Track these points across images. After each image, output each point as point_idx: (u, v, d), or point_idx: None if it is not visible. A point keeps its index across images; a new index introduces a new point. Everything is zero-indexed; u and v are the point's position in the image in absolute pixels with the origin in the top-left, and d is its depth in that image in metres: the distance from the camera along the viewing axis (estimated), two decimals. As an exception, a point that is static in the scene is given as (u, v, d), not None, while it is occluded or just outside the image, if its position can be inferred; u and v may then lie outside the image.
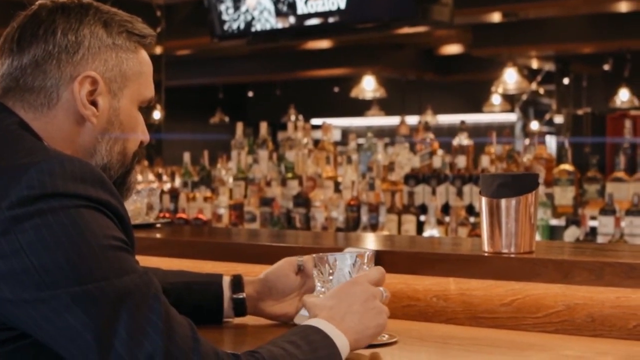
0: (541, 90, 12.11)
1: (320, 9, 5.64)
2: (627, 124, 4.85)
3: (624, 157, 4.48)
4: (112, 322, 1.17)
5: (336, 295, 1.48)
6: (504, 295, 1.77)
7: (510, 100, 11.76)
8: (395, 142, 5.24)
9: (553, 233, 4.31)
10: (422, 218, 4.43)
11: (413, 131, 6.36)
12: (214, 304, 1.81)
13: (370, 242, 2.30)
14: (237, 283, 1.82)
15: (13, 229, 1.19)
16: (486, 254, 1.80)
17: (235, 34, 6.18)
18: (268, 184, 4.90)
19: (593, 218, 4.13)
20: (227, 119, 12.86)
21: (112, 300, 1.18)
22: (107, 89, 1.42)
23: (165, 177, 6.16)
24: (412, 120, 11.56)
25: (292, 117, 10.90)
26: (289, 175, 4.84)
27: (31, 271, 1.18)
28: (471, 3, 7.16)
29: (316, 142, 5.17)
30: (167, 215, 4.62)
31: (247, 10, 6.02)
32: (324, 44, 9.97)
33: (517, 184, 1.79)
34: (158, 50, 8.55)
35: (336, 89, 13.39)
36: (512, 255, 1.76)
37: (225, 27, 6.17)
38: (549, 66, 11.40)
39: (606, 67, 10.16)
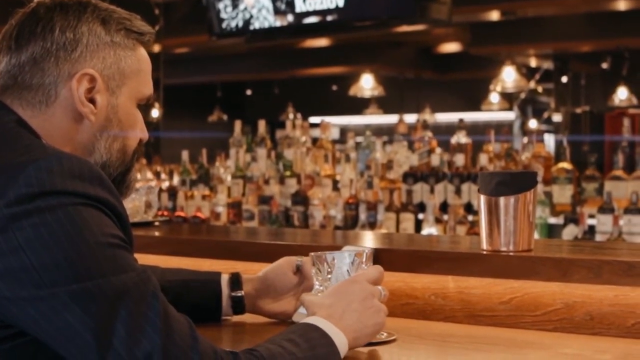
0: (539, 89, 12.10)
1: (319, 7, 5.64)
2: (626, 122, 4.86)
3: (623, 156, 4.48)
4: (110, 320, 1.17)
5: (334, 293, 1.48)
6: (502, 293, 1.77)
7: (508, 98, 11.75)
8: (394, 140, 5.24)
9: (551, 231, 4.31)
10: (421, 216, 4.43)
11: (411, 129, 6.36)
12: (212, 302, 1.81)
13: (369, 240, 2.30)
14: (236, 281, 1.82)
15: (11, 227, 1.19)
16: (485, 252, 1.80)
17: (233, 32, 6.18)
18: (266, 182, 4.90)
19: (591, 216, 4.13)
20: (225, 117, 12.84)
21: (110, 298, 1.18)
22: (106, 86, 1.41)
23: (163, 175, 6.16)
24: (411, 118, 11.55)
25: (291, 116, 10.91)
26: (287, 173, 4.84)
27: (29, 269, 1.18)
28: (469, 1, 7.16)
29: (314, 141, 5.17)
30: (165, 213, 4.62)
31: (245, 9, 6.02)
32: (322, 42, 9.96)
33: (516, 182, 1.79)
34: (156, 48, 8.54)
35: (334, 87, 13.38)
36: (511, 254, 1.76)
37: (224, 25, 6.17)
38: (548, 64, 11.39)
39: (604, 65, 10.16)
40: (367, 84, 10.60)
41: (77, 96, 1.39)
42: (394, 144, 5.10)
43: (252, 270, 1.90)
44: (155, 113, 8.58)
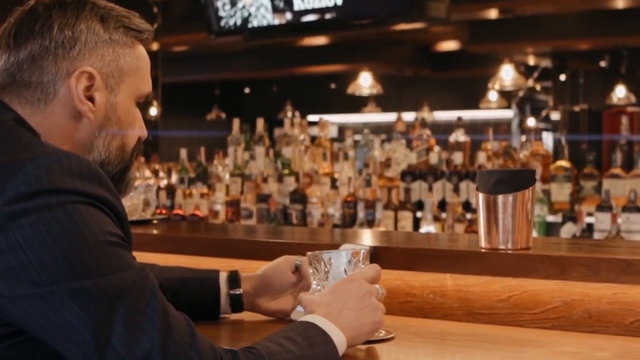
0: (538, 87, 12.12)
1: (317, 5, 5.64)
2: (624, 120, 4.86)
3: (621, 154, 4.48)
4: (109, 318, 1.17)
5: (332, 292, 1.48)
6: (500, 291, 1.77)
7: (506, 96, 11.75)
8: (392, 138, 5.24)
9: (550, 229, 4.31)
10: (419, 214, 4.43)
11: (410, 127, 6.35)
12: (211, 300, 1.81)
13: (367, 238, 2.30)
14: (234, 279, 1.82)
15: (10, 225, 1.19)
16: (483, 250, 1.80)
17: (232, 30, 6.17)
18: (264, 180, 4.90)
19: (590, 214, 4.13)
20: (223, 115, 12.84)
21: (109, 296, 1.18)
22: (104, 84, 1.41)
23: (161, 174, 6.16)
24: (409, 116, 11.54)
25: (289, 114, 10.92)
26: (286, 171, 4.84)
27: (28, 267, 1.18)
28: (468, -1, 7.16)
29: (313, 139, 5.17)
30: (163, 211, 4.62)
31: (243, 7, 6.01)
32: (320, 40, 9.96)
33: (514, 180, 1.79)
34: (154, 46, 8.53)
35: (333, 86, 13.38)
36: (509, 252, 1.76)
37: (222, 23, 6.16)
38: (546, 63, 11.40)
39: (603, 63, 10.16)
40: (365, 82, 10.60)
41: (75, 94, 1.38)
42: (392, 142, 5.10)
43: (251, 268, 1.90)
44: (153, 111, 8.58)
